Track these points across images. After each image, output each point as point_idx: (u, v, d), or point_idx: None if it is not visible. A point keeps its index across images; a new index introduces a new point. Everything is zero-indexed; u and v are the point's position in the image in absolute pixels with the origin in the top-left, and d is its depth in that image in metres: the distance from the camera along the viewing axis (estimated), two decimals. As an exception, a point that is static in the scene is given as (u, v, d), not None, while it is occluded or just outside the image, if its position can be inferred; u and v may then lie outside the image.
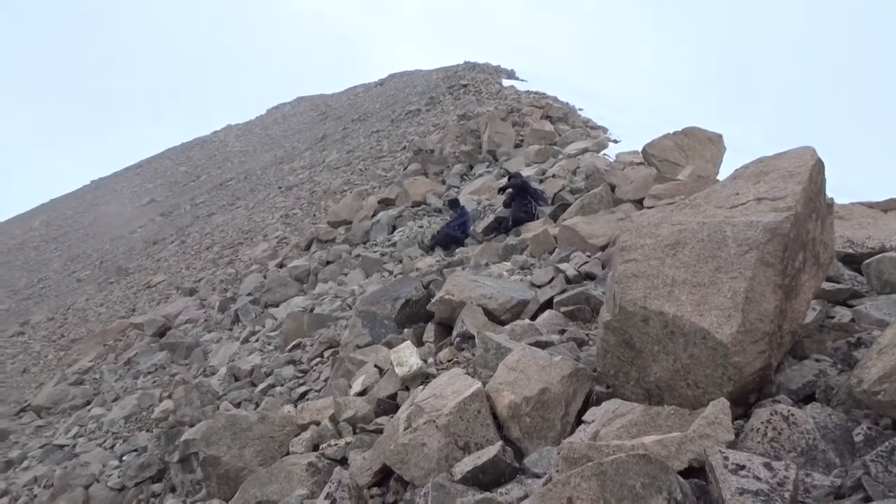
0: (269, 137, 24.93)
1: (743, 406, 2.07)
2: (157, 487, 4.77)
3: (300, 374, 5.13)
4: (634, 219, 2.55)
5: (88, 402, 8.17)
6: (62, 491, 5.19)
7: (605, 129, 11.85)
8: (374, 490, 2.70)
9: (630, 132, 11.06)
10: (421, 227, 9.18)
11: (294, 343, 6.11)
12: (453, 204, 8.52)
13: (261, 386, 5.23)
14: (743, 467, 1.51)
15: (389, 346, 4.20)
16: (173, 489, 4.57)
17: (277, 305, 8.51)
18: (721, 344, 1.96)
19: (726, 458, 1.54)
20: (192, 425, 5.07)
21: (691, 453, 1.68)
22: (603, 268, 4.25)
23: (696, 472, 1.68)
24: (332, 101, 28.28)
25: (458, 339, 3.75)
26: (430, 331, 4.37)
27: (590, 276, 4.16)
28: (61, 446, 6.75)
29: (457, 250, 7.36)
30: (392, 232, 9.58)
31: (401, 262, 7.81)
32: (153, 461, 5.04)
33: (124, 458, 5.57)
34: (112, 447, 6.08)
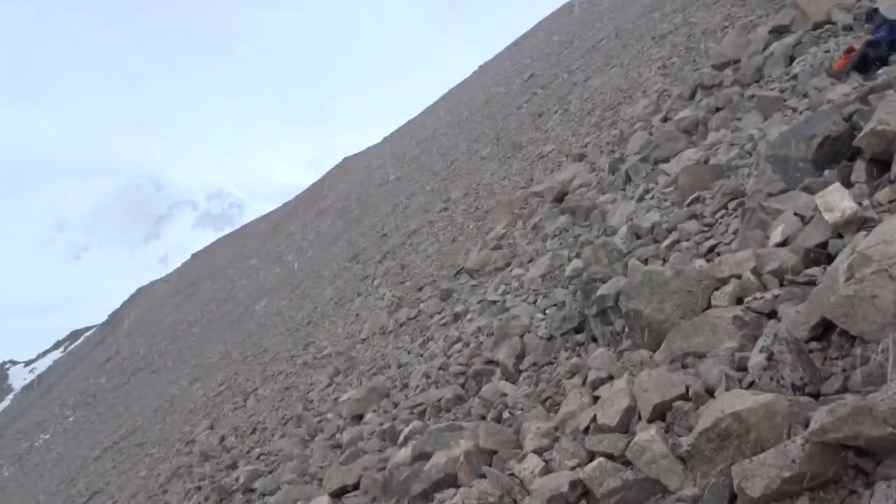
0: (636, -15, 23.62)
1: None
2: (580, 337, 5.22)
3: (705, 228, 4.99)
4: None
5: (508, 264, 9.22)
6: (502, 339, 6.04)
7: None
8: (814, 344, 2.55)
9: None
10: (827, 51, 7.82)
11: (692, 197, 5.93)
12: (872, 16, 7.01)
13: (665, 242, 5.24)
14: None
15: (810, 190, 3.79)
16: (594, 339, 4.97)
17: (668, 161, 8.28)
18: None
19: None
20: (603, 281, 5.35)
21: None
22: None
23: None
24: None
25: (900, 175, 3.19)
26: (859, 169, 3.79)
27: None
28: (493, 302, 7.82)
29: (880, 71, 6.12)
30: (790, 64, 8.37)
31: (806, 96, 6.83)
32: (573, 314, 5.51)
33: (547, 311, 6.21)
34: (535, 302, 6.81)
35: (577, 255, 6.99)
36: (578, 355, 4.76)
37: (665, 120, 9.88)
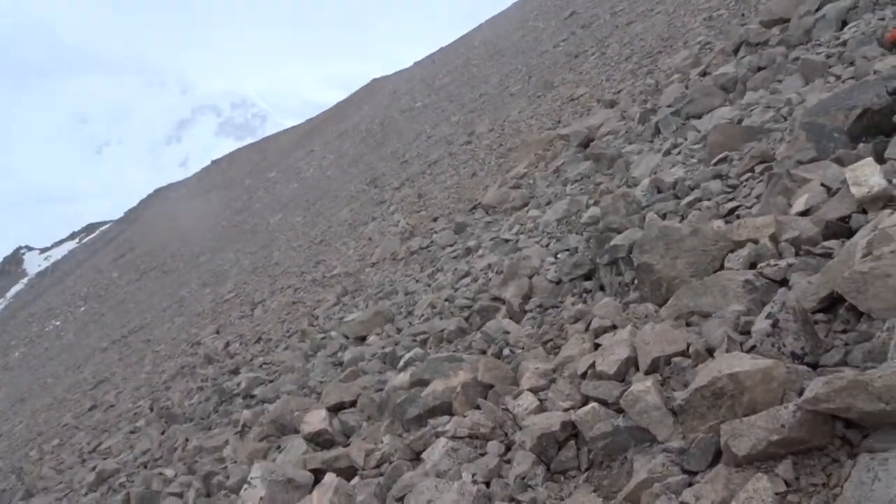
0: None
1: None
2: (588, 285, 5.24)
3: (729, 189, 4.93)
4: None
5: (525, 204, 9.19)
6: (511, 278, 6.08)
7: None
8: (820, 316, 2.56)
9: None
10: (882, 19, 7.51)
11: (720, 156, 5.84)
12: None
13: (686, 199, 5.20)
14: None
15: (840, 162, 3.71)
16: (602, 288, 4.99)
17: (700, 117, 8.11)
18: None
19: None
20: (619, 232, 5.34)
21: None
22: None
23: None
24: None
25: (938, 156, 3.11)
26: (894, 145, 3.71)
27: None
28: (506, 240, 7.83)
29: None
30: (841, 28, 8.06)
31: (852, 64, 6.60)
32: (584, 261, 5.52)
33: (558, 255, 6.22)
34: (547, 245, 6.81)
35: (596, 203, 6.95)
36: (584, 302, 4.79)
37: (704, 74, 9.62)
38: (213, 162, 61.76)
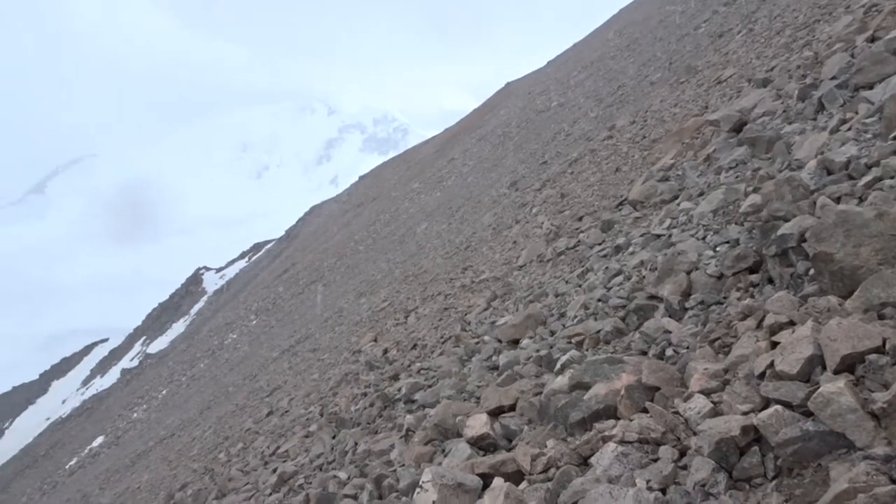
0: None
1: None
2: (754, 278, 4.93)
3: (913, 165, 4.43)
4: None
5: (675, 197, 8.81)
6: (667, 275, 5.85)
7: None
8: None
9: None
10: None
11: (901, 129, 5.27)
12: None
13: (863, 179, 4.74)
14: None
15: None
16: (771, 281, 4.67)
17: (872, 87, 7.37)
18: None
19: None
20: (786, 220, 4.98)
21: None
22: None
23: None
24: None
25: None
26: None
27: None
28: (658, 236, 7.54)
29: None
30: None
31: None
32: (748, 253, 5.20)
33: (717, 248, 5.90)
34: (704, 238, 6.48)
35: (756, 190, 6.52)
36: (752, 297, 4.51)
37: (872, 40, 8.74)
38: (361, 177, 64.87)
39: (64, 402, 60.65)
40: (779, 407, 2.55)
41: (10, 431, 62.38)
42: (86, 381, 63.46)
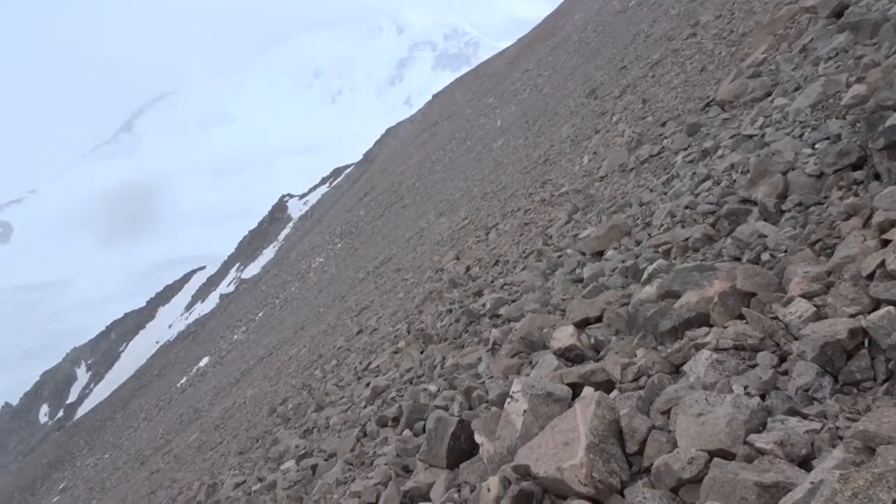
0: None
1: None
2: (857, 175, 4.62)
3: None
4: None
5: (768, 94, 8.26)
6: (760, 177, 5.55)
7: None
8: None
9: None
10: None
11: None
12: None
13: None
14: None
15: None
16: (878, 177, 4.35)
17: None
18: None
19: None
20: (895, 109, 4.60)
21: None
22: None
23: None
24: None
25: None
26: None
27: None
28: (750, 136, 7.12)
29: None
30: None
31: None
32: (851, 148, 4.85)
33: (816, 145, 5.53)
34: (801, 136, 6.08)
35: (860, 80, 6.01)
36: (856, 195, 4.22)
37: None
38: (434, 96, 64.11)
39: (170, 326, 65.11)
40: (891, 308, 2.41)
41: (124, 355, 67.91)
42: (188, 307, 67.74)
